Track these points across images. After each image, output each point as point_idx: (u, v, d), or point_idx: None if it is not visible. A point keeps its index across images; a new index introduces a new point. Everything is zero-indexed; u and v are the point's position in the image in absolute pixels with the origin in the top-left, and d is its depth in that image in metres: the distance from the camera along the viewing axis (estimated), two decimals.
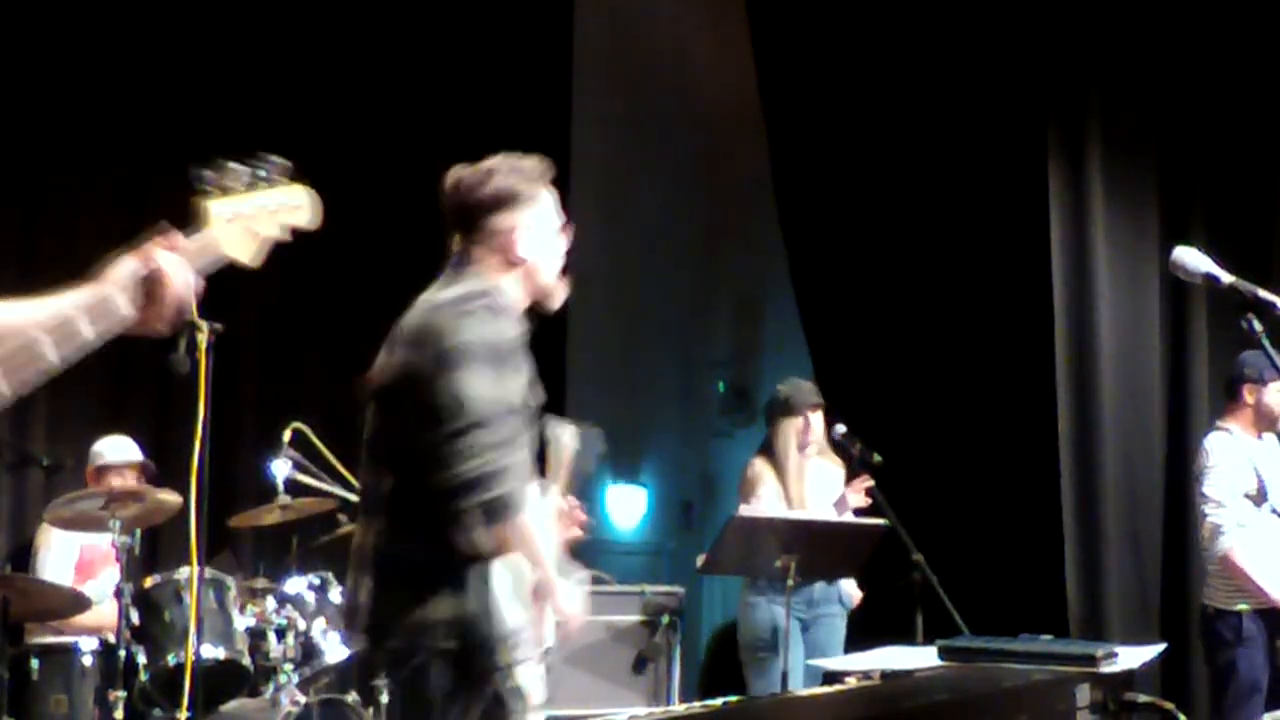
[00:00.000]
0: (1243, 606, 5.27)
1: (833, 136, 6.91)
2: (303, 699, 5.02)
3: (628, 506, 10.64)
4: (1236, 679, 5.27)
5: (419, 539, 2.87)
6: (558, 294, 3.19)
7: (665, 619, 5.88)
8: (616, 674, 5.75)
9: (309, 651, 5.13)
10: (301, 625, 5.14)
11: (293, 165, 2.32)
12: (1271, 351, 2.77)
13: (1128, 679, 2.99)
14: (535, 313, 3.15)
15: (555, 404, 7.19)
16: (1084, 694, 2.75)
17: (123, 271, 2.06)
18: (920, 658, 3.13)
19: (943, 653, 3.05)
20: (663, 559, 10.31)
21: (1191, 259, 2.85)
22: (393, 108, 6.88)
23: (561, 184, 8.75)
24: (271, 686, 5.09)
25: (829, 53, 6.89)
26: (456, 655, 2.83)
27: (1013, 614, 4.34)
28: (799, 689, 4.95)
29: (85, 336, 1.99)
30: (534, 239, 3.12)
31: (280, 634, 5.11)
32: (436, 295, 3.04)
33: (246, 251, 2.24)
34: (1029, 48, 6.34)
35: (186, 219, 2.18)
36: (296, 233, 2.31)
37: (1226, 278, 2.78)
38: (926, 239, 6.64)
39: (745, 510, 5.28)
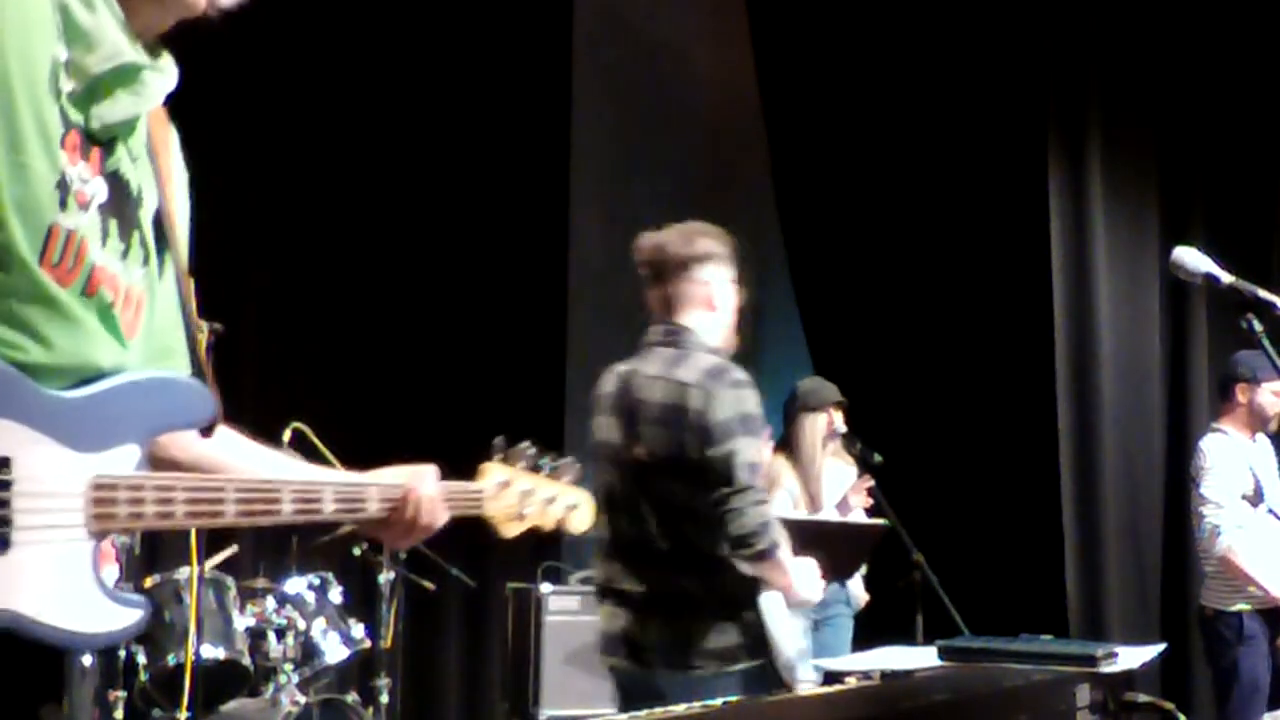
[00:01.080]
0: (1241, 606, 5.28)
1: (833, 137, 6.91)
2: (303, 699, 5.02)
3: None
4: (1239, 679, 5.27)
5: (700, 578, 3.48)
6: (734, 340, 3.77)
7: None
8: None
9: (309, 651, 5.13)
10: (301, 625, 5.15)
11: (581, 469, 2.44)
12: (1271, 351, 2.76)
13: (1128, 679, 2.99)
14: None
15: (555, 404, 7.23)
16: (1084, 694, 2.75)
17: (387, 478, 2.07)
18: (920, 658, 3.13)
19: (943, 653, 3.05)
20: None
21: (1191, 259, 2.84)
22: (392, 108, 6.87)
23: (561, 184, 8.76)
24: (271, 686, 5.09)
25: (829, 53, 6.89)
26: (754, 672, 3.45)
27: (1013, 614, 4.34)
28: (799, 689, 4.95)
29: (324, 512, 1.99)
30: (726, 297, 3.70)
31: (280, 634, 5.11)
32: (673, 371, 3.55)
33: (506, 523, 2.32)
34: (1029, 48, 6.34)
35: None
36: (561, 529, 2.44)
37: (1226, 278, 2.78)
38: (926, 239, 6.64)
39: None
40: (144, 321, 1.83)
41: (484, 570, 6.58)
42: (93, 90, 1.69)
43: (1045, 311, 6.19)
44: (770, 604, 3.51)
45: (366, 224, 6.53)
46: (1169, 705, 3.07)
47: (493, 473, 2.32)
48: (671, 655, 3.48)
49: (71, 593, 1.70)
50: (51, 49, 1.65)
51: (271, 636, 5.10)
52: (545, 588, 5.94)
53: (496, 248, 6.97)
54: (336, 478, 2.07)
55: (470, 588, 6.19)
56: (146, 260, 1.84)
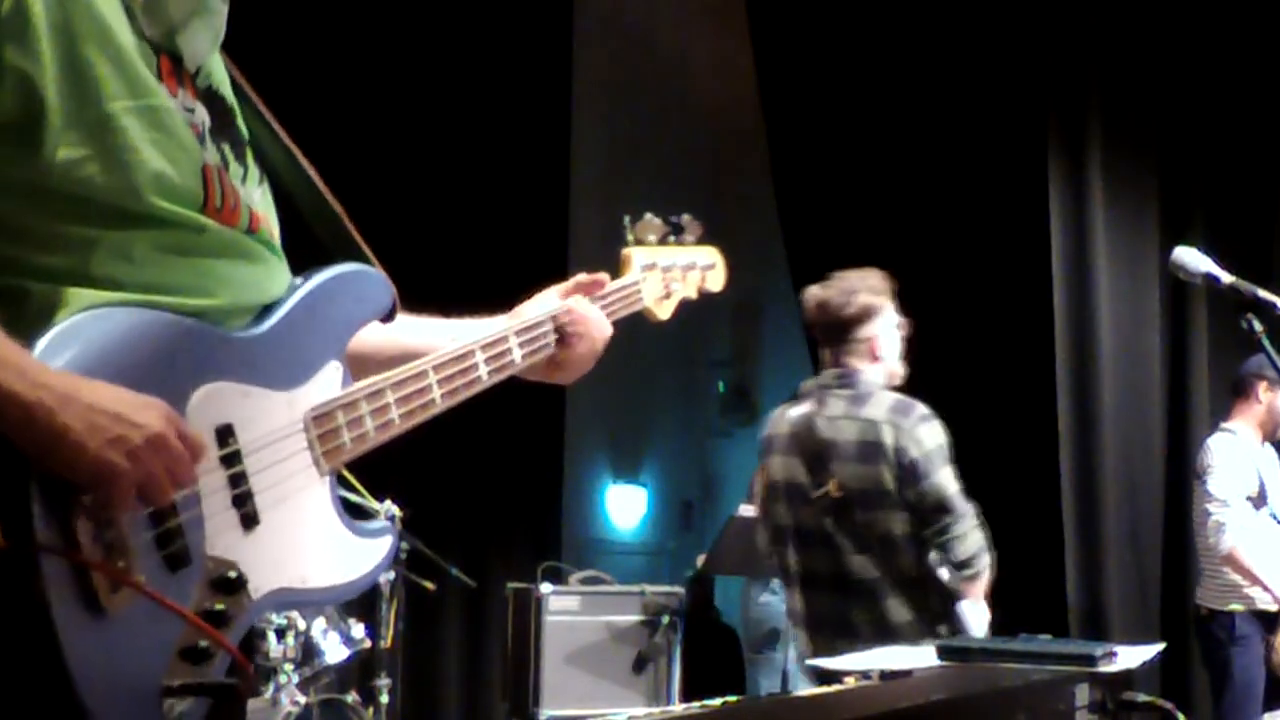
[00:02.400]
0: (1235, 607, 5.28)
1: (833, 137, 6.91)
2: (303, 699, 5.02)
3: (628, 506, 10.64)
4: (1233, 679, 5.27)
5: (906, 599, 3.75)
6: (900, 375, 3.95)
7: (665, 619, 5.88)
8: (616, 674, 5.75)
9: (309, 651, 5.13)
10: (301, 625, 5.14)
11: (705, 227, 2.32)
12: (1271, 352, 2.76)
13: (1127, 679, 2.98)
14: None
15: (555, 404, 7.23)
16: (1083, 694, 2.75)
17: (551, 306, 2.00)
18: (920, 658, 3.13)
19: (942, 653, 3.05)
20: (663, 559, 10.31)
21: (1191, 259, 2.84)
22: (392, 108, 6.88)
23: (562, 184, 8.78)
24: (271, 686, 5.09)
25: (829, 53, 6.88)
26: None
27: (1013, 614, 4.33)
28: (799, 689, 4.95)
29: (515, 362, 1.90)
30: (890, 341, 3.94)
31: (280, 634, 5.10)
32: (858, 410, 3.78)
33: (660, 305, 2.22)
34: (1029, 47, 6.34)
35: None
36: (703, 294, 2.34)
37: (1226, 278, 2.78)
38: (927, 239, 6.64)
39: (745, 510, 5.28)
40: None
41: (484, 570, 6.58)
42: (173, 23, 1.60)
43: (1045, 311, 6.19)
44: (972, 615, 3.83)
45: (367, 222, 6.53)
46: (1168, 705, 3.06)
47: (636, 258, 2.19)
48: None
49: (326, 544, 1.62)
50: None
51: (271, 636, 5.09)
52: (545, 588, 5.94)
53: (497, 247, 6.97)
54: (506, 323, 1.96)
55: (470, 588, 6.19)
56: (261, 179, 1.76)
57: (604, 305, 2.08)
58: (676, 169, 8.59)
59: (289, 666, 5.06)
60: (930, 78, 6.59)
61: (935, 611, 3.75)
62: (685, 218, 2.31)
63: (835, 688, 2.74)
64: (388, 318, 1.80)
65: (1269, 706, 5.20)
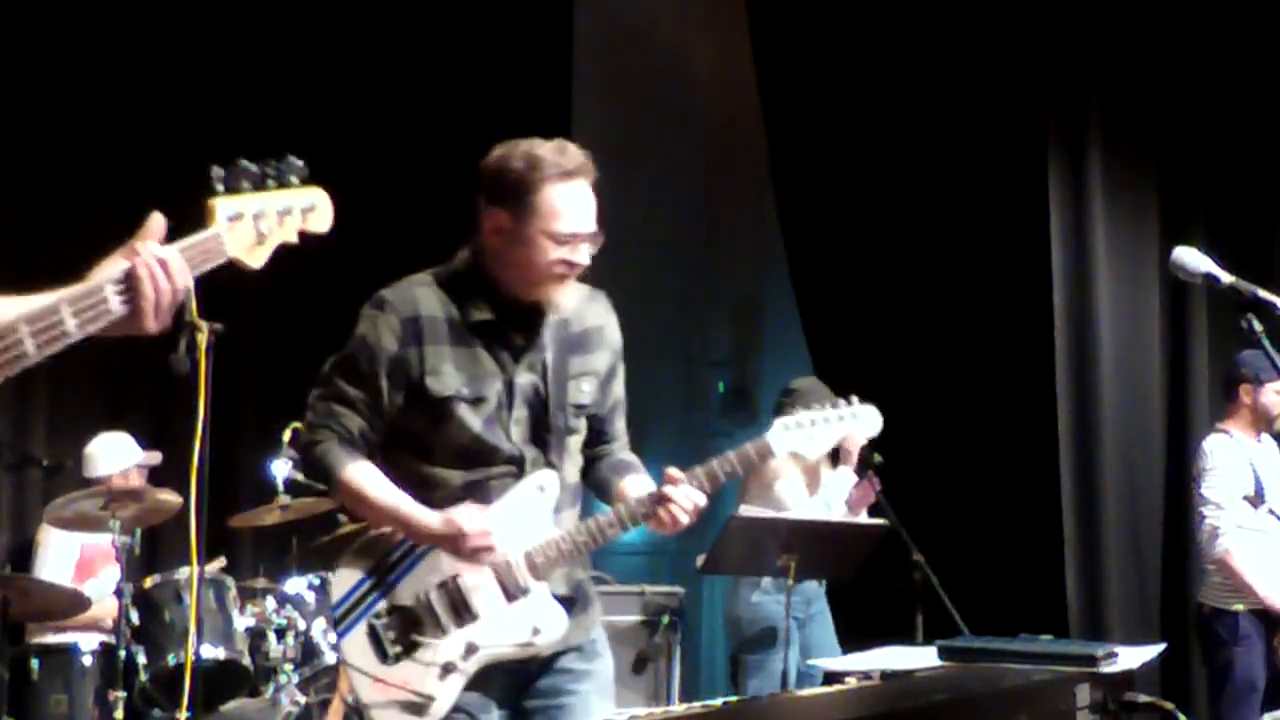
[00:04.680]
0: (1239, 606, 5.28)
1: (832, 137, 6.91)
2: (303, 699, 5.02)
3: None
4: (1233, 679, 5.27)
5: None
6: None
7: (665, 619, 5.88)
8: (617, 674, 5.72)
9: (309, 651, 5.13)
10: (301, 625, 5.14)
11: (307, 166, 2.26)
12: (1271, 351, 2.76)
13: (1128, 679, 2.99)
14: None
15: None
16: (1084, 694, 2.75)
17: (115, 268, 1.97)
18: (920, 658, 3.13)
19: (942, 653, 3.05)
20: (663, 559, 10.30)
21: (1191, 259, 2.84)
22: (392, 108, 6.88)
23: None
24: (271, 686, 5.09)
25: (829, 53, 6.88)
26: None
27: (1013, 614, 4.33)
28: (798, 689, 4.95)
29: (68, 330, 1.89)
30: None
31: (280, 634, 5.11)
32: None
33: (251, 253, 2.16)
34: (1029, 47, 6.33)
35: (194, 218, 2.16)
36: (305, 236, 2.27)
37: (1226, 278, 2.78)
38: (927, 239, 6.64)
39: (745, 510, 5.27)
40: None
41: None
42: None
43: (1045, 311, 6.19)
44: None
45: (367, 224, 6.53)
46: (1169, 705, 3.07)
47: (220, 209, 2.12)
48: None
49: None
50: None
51: (271, 636, 5.10)
52: None
53: None
54: (65, 292, 1.93)
55: None
56: None
57: (182, 254, 2.03)
58: (676, 169, 8.58)
59: (289, 666, 5.07)
60: (930, 78, 6.59)
61: None
62: (288, 159, 2.24)
63: (836, 688, 2.74)
64: None
65: (1269, 706, 5.20)
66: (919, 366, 6.67)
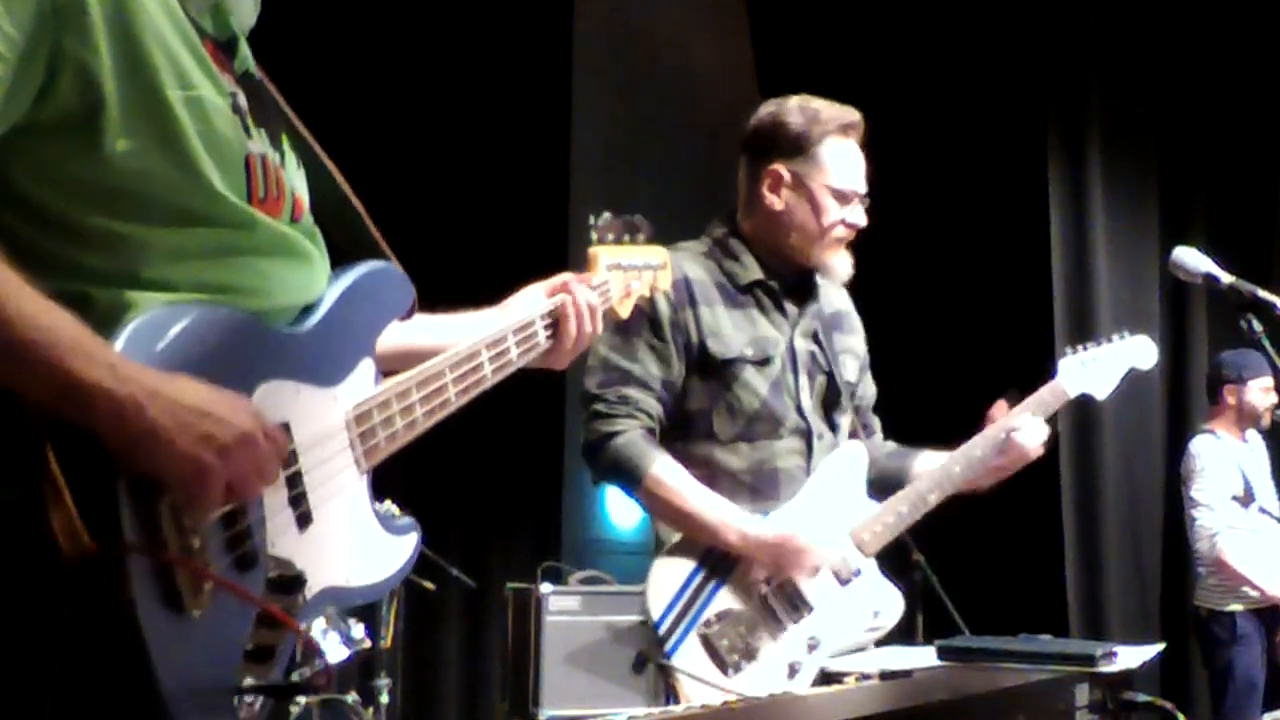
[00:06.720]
0: (1235, 607, 5.28)
1: None
2: (303, 699, 5.01)
3: (627, 507, 10.62)
4: (1233, 679, 5.28)
5: None
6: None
7: None
8: (616, 674, 5.74)
9: (309, 651, 5.12)
10: (301, 625, 5.13)
11: (652, 224, 2.34)
12: (1272, 351, 2.76)
13: (1127, 679, 2.98)
14: None
15: (555, 404, 7.23)
16: (1083, 694, 2.75)
17: (540, 304, 2.00)
18: (920, 658, 3.12)
19: (942, 653, 3.05)
20: None
21: (1191, 259, 2.84)
22: (392, 108, 6.87)
23: (562, 184, 8.74)
24: None
25: (829, 53, 6.88)
26: None
27: (1013, 614, 4.33)
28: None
29: (512, 360, 1.90)
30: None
31: None
32: None
33: (622, 304, 2.22)
34: (1029, 47, 6.34)
35: None
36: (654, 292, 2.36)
37: (1226, 278, 2.78)
38: (927, 238, 6.63)
39: None
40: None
41: (484, 570, 6.58)
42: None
43: (1045, 311, 6.19)
44: None
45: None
46: (1168, 705, 3.07)
47: (602, 258, 2.19)
48: None
49: (364, 543, 1.61)
50: None
51: None
52: (545, 588, 5.94)
53: (496, 246, 6.96)
54: (503, 321, 1.96)
55: (470, 588, 6.19)
56: (298, 163, 1.72)
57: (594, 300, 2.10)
58: (676, 169, 8.58)
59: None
60: (930, 77, 6.59)
61: None
62: (638, 218, 2.32)
63: (835, 688, 2.74)
64: (405, 316, 1.81)
65: (1269, 706, 5.20)
66: (919, 366, 6.66)
